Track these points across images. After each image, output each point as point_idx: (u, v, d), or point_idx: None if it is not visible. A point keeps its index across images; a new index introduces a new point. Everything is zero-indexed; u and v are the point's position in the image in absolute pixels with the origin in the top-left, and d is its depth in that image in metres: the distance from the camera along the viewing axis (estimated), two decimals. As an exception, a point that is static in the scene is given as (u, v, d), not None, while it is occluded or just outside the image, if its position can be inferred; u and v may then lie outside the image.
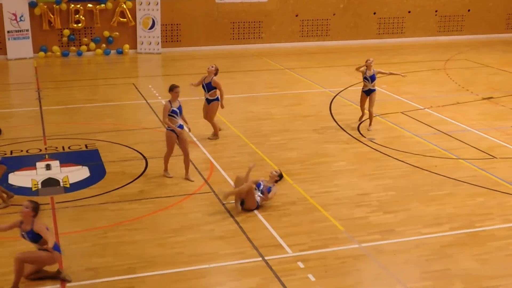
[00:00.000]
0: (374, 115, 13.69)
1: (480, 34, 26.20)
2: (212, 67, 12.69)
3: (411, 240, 8.81)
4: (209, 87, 12.65)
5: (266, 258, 8.24)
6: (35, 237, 7.35)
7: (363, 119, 13.94)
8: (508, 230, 9.17)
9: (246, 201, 9.52)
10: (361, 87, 13.61)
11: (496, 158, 12.04)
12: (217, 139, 12.90)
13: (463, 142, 12.90)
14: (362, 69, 13.54)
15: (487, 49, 23.87)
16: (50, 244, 7.16)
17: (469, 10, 25.93)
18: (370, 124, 13.62)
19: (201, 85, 12.83)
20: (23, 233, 7.44)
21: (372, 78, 13.32)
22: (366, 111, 13.67)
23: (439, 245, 8.67)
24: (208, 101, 12.80)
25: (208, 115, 12.90)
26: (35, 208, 7.41)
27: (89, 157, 11.84)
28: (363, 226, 9.19)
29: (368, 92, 13.43)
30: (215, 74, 12.62)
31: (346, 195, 10.28)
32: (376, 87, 13.46)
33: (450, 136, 13.28)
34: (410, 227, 9.18)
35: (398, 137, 13.25)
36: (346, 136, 13.22)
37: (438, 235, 8.98)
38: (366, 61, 13.34)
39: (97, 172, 11.13)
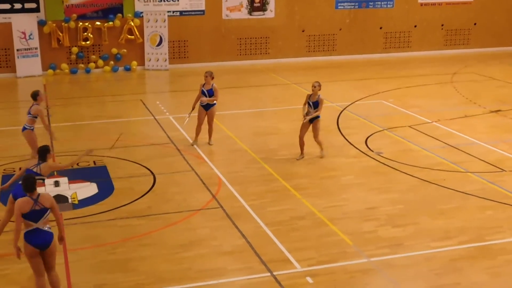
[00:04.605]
0: None
1: (486, 48, 26.20)
2: (206, 75, 13.17)
3: (420, 254, 8.76)
4: (210, 93, 13.15)
5: (274, 273, 8.21)
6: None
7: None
8: (518, 243, 9.11)
9: None
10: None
11: (505, 171, 11.98)
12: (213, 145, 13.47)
13: (471, 155, 12.85)
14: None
15: (494, 62, 23.85)
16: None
17: (475, 24, 25.97)
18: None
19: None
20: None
21: None
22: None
23: (448, 259, 8.61)
24: (208, 106, 13.23)
25: (209, 120, 13.35)
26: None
27: (97, 174, 11.89)
28: (372, 240, 9.15)
29: None
30: (212, 79, 13.21)
31: (354, 209, 10.25)
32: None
33: (458, 149, 13.24)
34: (419, 241, 9.13)
35: (405, 150, 13.22)
36: (354, 150, 13.20)
37: (447, 249, 8.92)
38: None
39: (106, 188, 11.16)
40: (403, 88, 19.32)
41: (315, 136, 12.49)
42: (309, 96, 12.38)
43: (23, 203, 7.18)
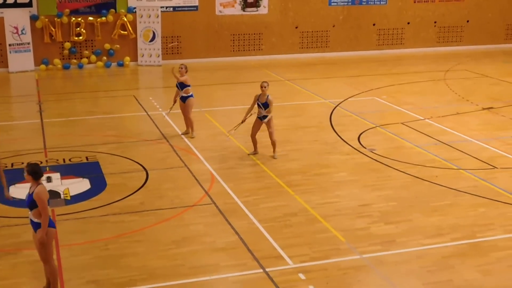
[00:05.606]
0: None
1: (479, 45, 26.29)
2: (181, 67, 13.64)
3: (412, 251, 8.79)
4: (182, 85, 13.65)
5: (267, 269, 8.22)
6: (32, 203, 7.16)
7: None
8: (510, 241, 9.15)
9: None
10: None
11: (497, 168, 12.04)
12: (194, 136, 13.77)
13: (463, 152, 12.90)
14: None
15: (487, 59, 23.93)
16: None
17: (468, 21, 26.04)
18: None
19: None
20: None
21: None
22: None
23: (440, 256, 8.64)
24: (184, 98, 13.69)
25: (186, 111, 13.79)
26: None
27: (89, 169, 11.85)
28: (365, 237, 9.17)
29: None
30: (186, 72, 13.69)
31: (347, 206, 10.27)
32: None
33: (451, 146, 13.29)
34: (412, 238, 9.16)
35: (398, 147, 13.25)
36: (347, 147, 13.22)
37: (439, 245, 8.95)
38: None
39: (98, 184, 11.13)
40: (396, 85, 19.36)
41: (271, 135, 12.36)
42: (258, 97, 12.25)
43: (46, 190, 7.30)
